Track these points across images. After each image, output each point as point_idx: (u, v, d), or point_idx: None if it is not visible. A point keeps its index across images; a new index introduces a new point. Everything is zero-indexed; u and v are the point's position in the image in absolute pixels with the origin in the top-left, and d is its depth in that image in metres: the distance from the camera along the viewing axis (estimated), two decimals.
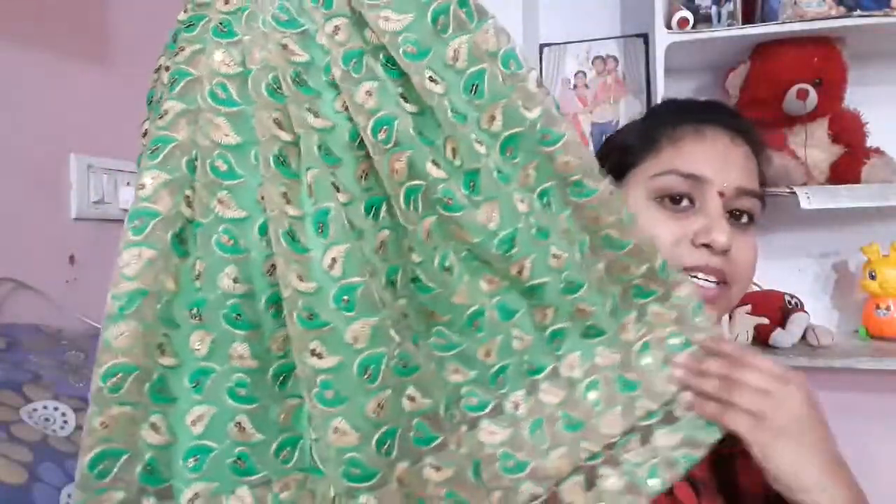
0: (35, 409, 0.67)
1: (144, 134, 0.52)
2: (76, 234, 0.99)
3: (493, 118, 0.48)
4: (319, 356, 0.44)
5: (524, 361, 0.51)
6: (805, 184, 1.17)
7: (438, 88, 0.46)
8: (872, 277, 1.20)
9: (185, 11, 0.50)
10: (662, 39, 1.18)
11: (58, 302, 0.93)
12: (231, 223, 0.45)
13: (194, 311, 0.45)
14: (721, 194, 0.61)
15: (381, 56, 0.47)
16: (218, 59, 0.47)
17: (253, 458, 0.45)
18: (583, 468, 0.51)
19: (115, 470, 0.42)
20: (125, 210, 1.05)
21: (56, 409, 0.68)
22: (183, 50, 0.48)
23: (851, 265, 1.31)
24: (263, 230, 0.45)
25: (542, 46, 1.44)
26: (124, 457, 0.42)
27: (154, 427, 0.44)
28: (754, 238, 0.64)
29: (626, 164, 0.67)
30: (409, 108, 0.47)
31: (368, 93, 0.46)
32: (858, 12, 1.11)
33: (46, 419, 0.67)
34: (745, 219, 0.63)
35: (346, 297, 0.44)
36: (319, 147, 0.46)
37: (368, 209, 0.47)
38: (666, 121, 0.66)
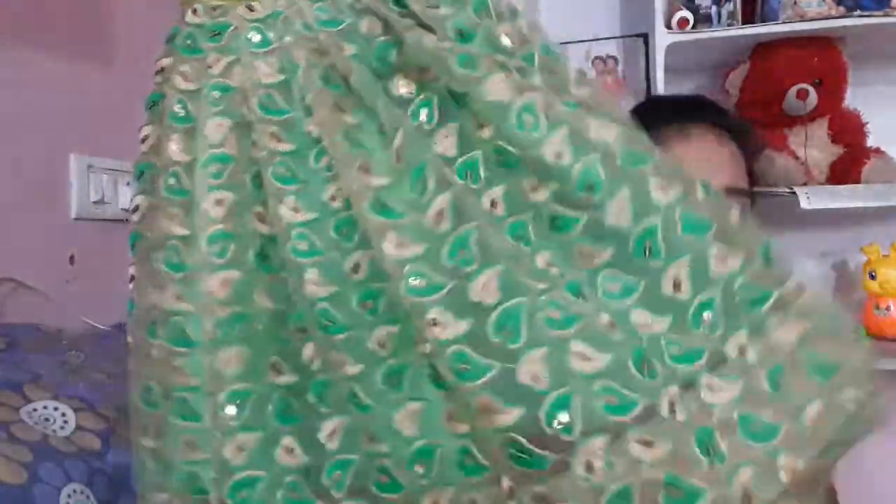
0: (35, 409, 0.67)
1: (144, 140, 0.51)
2: (76, 234, 0.99)
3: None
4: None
5: (736, 289, 0.39)
6: (805, 184, 1.17)
7: (443, 11, 0.44)
8: (872, 277, 1.20)
9: (193, 13, 0.49)
10: (662, 39, 1.18)
11: (58, 302, 0.93)
12: (303, 226, 0.44)
13: (298, 324, 0.44)
14: None
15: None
16: (259, 71, 0.46)
17: (392, 471, 0.41)
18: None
19: (255, 498, 0.42)
20: (125, 210, 1.05)
21: (56, 409, 0.68)
22: (218, 61, 0.47)
23: (851, 265, 1.31)
24: (338, 229, 0.44)
25: None
26: (261, 484, 0.42)
27: (287, 449, 0.43)
28: None
29: None
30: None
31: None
32: (858, 12, 1.11)
33: (46, 419, 0.67)
34: None
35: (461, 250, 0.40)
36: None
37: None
38: (650, 122, 0.66)
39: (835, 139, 1.21)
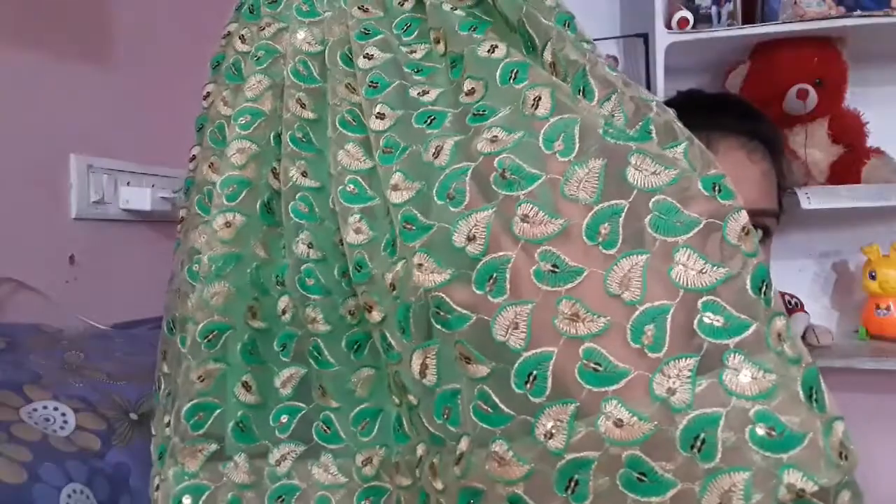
0: (35, 409, 0.67)
1: (206, 96, 0.54)
2: (76, 234, 0.99)
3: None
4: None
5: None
6: (805, 184, 1.17)
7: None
8: (872, 277, 1.20)
9: None
10: (662, 39, 1.18)
11: (58, 302, 0.93)
12: (308, 191, 0.47)
13: (279, 277, 0.47)
14: None
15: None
16: (301, 38, 0.49)
17: (336, 424, 0.45)
18: None
19: (209, 423, 0.45)
20: (125, 210, 1.05)
21: (56, 409, 0.68)
22: (269, 26, 0.51)
23: (851, 265, 1.31)
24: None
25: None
26: (217, 411, 0.45)
27: (246, 386, 0.45)
28: (767, 255, 0.61)
29: None
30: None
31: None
32: (858, 12, 1.11)
33: (46, 419, 0.67)
34: (759, 235, 0.61)
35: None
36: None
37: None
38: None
39: (835, 139, 1.21)
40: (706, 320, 0.33)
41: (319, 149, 0.47)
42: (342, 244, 0.45)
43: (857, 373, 1.12)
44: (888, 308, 1.20)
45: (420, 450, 0.41)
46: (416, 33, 0.48)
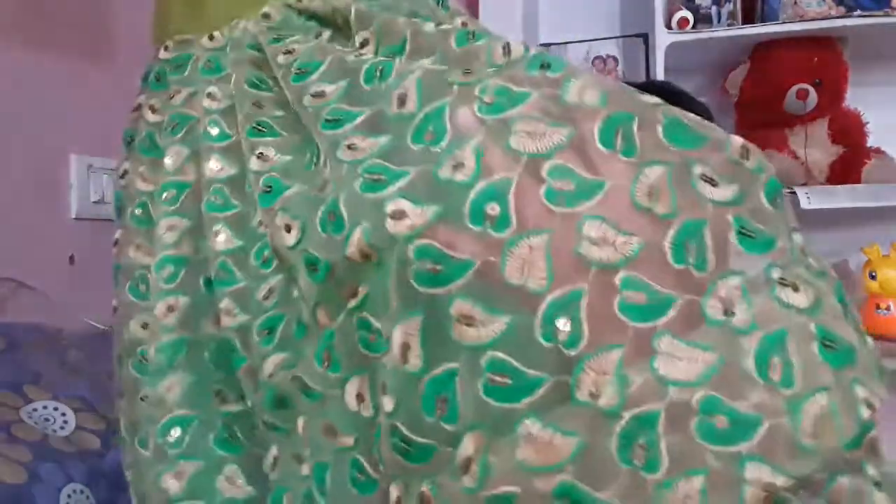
0: (35, 409, 0.67)
1: (123, 175, 0.52)
2: (76, 234, 0.99)
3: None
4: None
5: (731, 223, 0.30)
6: (805, 184, 1.17)
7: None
8: (872, 277, 1.20)
9: (165, 49, 0.50)
10: (662, 39, 1.18)
11: (58, 302, 0.93)
12: (226, 255, 0.42)
13: None
14: None
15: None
16: (209, 97, 0.46)
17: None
18: None
19: None
20: None
21: (56, 409, 0.68)
22: (179, 93, 0.48)
23: (851, 265, 1.31)
24: (259, 255, 0.42)
25: (541, 46, 1.44)
26: None
27: (230, 480, 0.41)
28: None
29: None
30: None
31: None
32: (858, 12, 1.11)
33: (46, 419, 0.67)
34: None
35: None
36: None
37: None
38: None
39: (835, 139, 1.21)
40: (742, 233, 0.29)
41: (237, 206, 0.43)
42: (265, 299, 0.40)
43: None
44: (888, 308, 1.20)
45: (394, 491, 0.31)
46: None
